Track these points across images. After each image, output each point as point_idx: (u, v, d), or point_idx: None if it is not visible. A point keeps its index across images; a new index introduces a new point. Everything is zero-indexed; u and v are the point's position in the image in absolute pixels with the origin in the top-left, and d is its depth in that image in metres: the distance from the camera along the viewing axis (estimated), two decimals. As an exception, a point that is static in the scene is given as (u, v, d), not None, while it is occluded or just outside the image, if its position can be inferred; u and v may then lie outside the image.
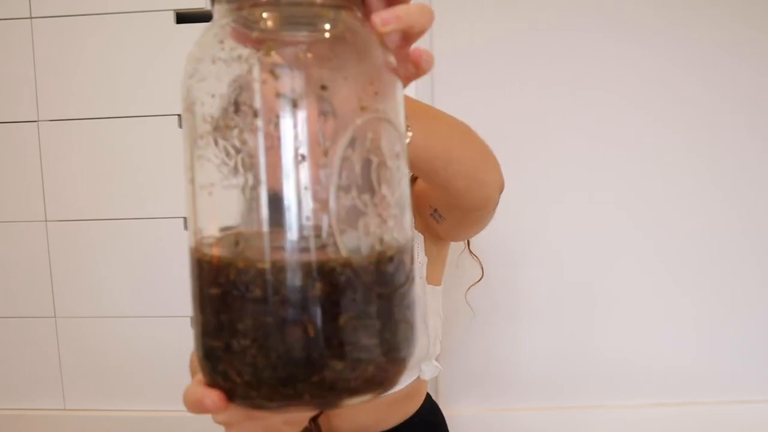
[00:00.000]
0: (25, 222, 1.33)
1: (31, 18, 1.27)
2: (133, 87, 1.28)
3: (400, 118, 0.39)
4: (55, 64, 1.28)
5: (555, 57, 1.32)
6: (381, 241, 0.35)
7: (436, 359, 0.96)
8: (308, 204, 0.33)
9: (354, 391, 0.34)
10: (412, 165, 0.58)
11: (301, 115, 0.33)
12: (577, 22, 1.31)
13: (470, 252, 1.00)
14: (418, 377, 0.94)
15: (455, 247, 0.99)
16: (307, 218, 0.33)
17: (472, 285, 1.06)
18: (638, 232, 1.34)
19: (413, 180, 0.87)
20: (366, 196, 0.35)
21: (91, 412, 1.37)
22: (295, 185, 0.33)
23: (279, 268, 0.33)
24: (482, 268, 1.03)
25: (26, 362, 1.37)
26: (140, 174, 1.30)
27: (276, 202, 0.33)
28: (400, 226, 0.37)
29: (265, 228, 0.33)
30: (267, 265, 0.33)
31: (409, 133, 0.53)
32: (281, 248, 0.33)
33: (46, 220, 1.32)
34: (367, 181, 0.35)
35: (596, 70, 1.32)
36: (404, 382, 0.91)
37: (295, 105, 0.33)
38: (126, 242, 1.31)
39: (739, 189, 1.33)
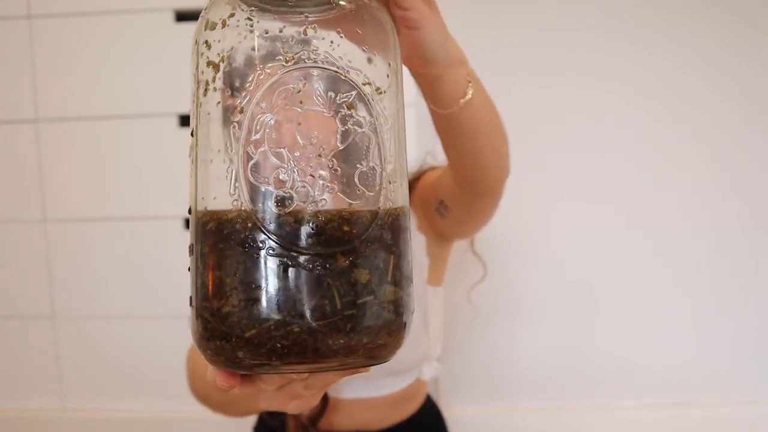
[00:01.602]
0: (23, 222, 1.32)
1: (29, 17, 1.27)
2: (133, 86, 1.28)
3: (377, 75, 0.38)
4: (54, 63, 1.28)
5: (555, 57, 1.31)
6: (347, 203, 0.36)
7: (437, 360, 0.96)
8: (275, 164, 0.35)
9: (340, 353, 0.35)
10: (464, 125, 0.59)
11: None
12: (577, 22, 1.31)
13: (473, 251, 1.00)
14: (418, 378, 0.94)
15: (457, 248, 0.99)
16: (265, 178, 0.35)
17: (476, 284, 1.06)
18: (638, 232, 1.34)
19: (417, 177, 0.87)
20: (283, 151, 0.35)
21: (90, 412, 1.36)
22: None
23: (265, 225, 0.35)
24: (485, 267, 1.03)
25: (25, 362, 1.37)
26: (139, 173, 1.30)
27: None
28: (352, 190, 0.36)
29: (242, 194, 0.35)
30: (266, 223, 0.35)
31: (470, 91, 0.55)
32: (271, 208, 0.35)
33: (45, 220, 1.32)
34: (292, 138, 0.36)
35: (596, 70, 1.32)
36: (404, 382, 0.91)
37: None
38: (126, 242, 1.31)
39: (738, 189, 1.33)
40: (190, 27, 1.25)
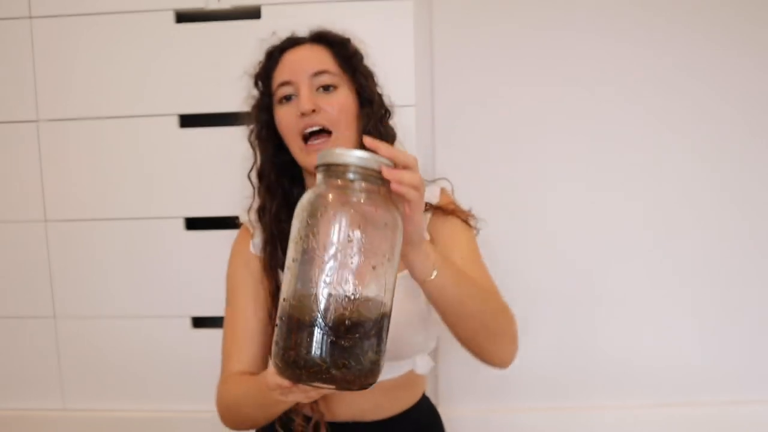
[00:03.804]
0: (24, 222, 1.32)
1: (30, 17, 1.27)
2: (133, 87, 1.28)
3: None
4: (55, 63, 1.28)
5: (555, 57, 1.32)
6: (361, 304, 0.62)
7: (433, 357, 0.97)
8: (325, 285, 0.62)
9: (347, 383, 0.62)
10: (443, 299, 0.77)
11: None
12: (576, 22, 1.31)
13: None
14: (412, 370, 0.96)
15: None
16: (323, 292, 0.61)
17: None
18: (640, 232, 1.34)
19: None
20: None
21: (91, 412, 1.37)
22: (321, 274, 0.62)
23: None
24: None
25: (25, 362, 1.37)
26: (140, 174, 1.30)
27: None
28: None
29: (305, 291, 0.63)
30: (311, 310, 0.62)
31: (435, 271, 0.73)
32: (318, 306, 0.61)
33: (45, 220, 1.32)
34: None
35: (596, 69, 1.32)
36: (397, 371, 0.95)
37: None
38: (126, 242, 1.31)
39: (740, 188, 1.33)
40: (190, 27, 1.25)
